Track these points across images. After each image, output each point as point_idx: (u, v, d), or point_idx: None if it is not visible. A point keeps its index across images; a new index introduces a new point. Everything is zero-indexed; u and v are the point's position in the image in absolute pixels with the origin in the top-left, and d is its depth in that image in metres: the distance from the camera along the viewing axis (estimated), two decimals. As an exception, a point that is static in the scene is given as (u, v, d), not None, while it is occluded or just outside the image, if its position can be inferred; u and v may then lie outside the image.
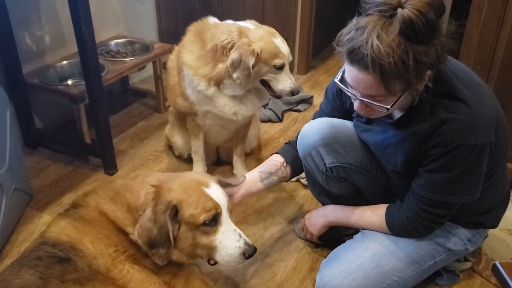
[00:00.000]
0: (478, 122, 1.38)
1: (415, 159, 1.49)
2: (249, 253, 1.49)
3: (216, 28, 2.09)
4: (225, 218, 1.49)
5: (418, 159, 1.48)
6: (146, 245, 1.41)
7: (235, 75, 2.02)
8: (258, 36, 2.02)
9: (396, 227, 1.64)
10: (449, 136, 1.37)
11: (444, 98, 1.40)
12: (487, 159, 1.44)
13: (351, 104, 1.69)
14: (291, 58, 2.08)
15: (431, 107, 1.41)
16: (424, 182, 1.49)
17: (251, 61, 1.98)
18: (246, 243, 1.49)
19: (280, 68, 2.03)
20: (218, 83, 2.10)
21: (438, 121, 1.39)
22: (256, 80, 2.09)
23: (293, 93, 2.09)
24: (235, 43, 2.00)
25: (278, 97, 2.14)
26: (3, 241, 2.01)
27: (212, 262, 1.54)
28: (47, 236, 1.41)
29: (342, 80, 1.44)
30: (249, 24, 2.10)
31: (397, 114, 1.52)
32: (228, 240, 1.48)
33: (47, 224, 1.49)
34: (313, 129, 1.75)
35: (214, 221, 1.46)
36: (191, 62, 2.12)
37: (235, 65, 2.00)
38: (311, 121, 1.81)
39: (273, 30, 2.09)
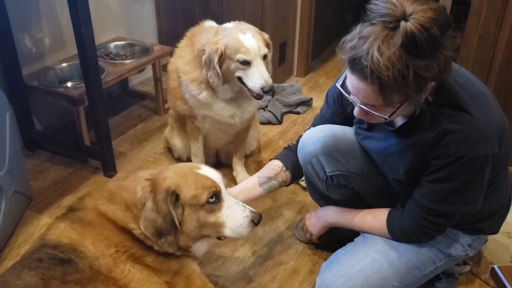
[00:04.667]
0: (481, 133, 1.38)
1: (418, 168, 1.48)
2: (257, 219, 1.55)
3: (203, 33, 2.10)
4: (225, 194, 1.54)
5: (420, 168, 1.48)
6: (154, 236, 1.43)
7: (208, 75, 2.04)
8: (226, 33, 2.03)
9: (397, 233, 1.64)
10: (452, 147, 1.37)
11: (447, 108, 1.39)
12: (490, 169, 1.44)
13: (352, 109, 1.69)
14: (263, 53, 2.01)
15: (433, 117, 1.40)
16: (426, 192, 1.49)
17: (215, 59, 1.99)
18: (252, 211, 1.56)
19: (245, 63, 1.99)
20: (210, 86, 2.10)
21: (441, 131, 1.38)
22: (231, 77, 2.06)
23: (263, 89, 1.99)
24: None
25: (256, 97, 2.07)
26: (3, 243, 2.01)
27: (222, 238, 1.59)
28: (47, 238, 1.42)
29: (344, 85, 1.44)
30: (230, 24, 2.09)
31: (399, 122, 1.52)
32: (235, 212, 1.53)
33: (47, 228, 1.49)
34: (313, 137, 1.75)
35: (216, 198, 1.50)
36: (183, 67, 2.15)
37: (207, 65, 2.03)
38: (312, 128, 1.81)
39: (247, 26, 2.06)
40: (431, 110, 1.39)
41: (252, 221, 1.54)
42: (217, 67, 2.00)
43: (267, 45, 2.08)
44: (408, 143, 1.48)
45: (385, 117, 1.36)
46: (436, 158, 1.41)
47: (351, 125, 1.82)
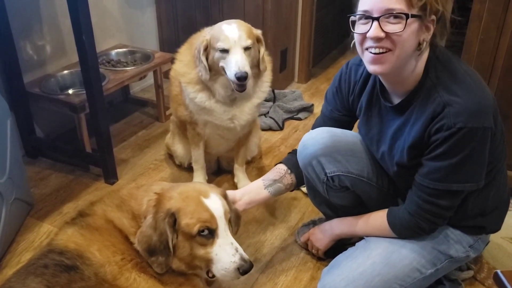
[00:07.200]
0: (478, 105, 1.40)
1: (420, 145, 1.48)
2: (244, 269, 1.45)
3: (202, 33, 2.13)
4: (222, 230, 1.46)
5: (422, 145, 1.48)
6: (145, 252, 1.41)
7: (197, 70, 2.07)
8: (215, 26, 2.08)
9: (397, 226, 1.63)
10: (451, 119, 1.38)
11: (445, 77, 1.43)
12: (489, 146, 1.44)
13: (353, 100, 1.73)
14: (244, 43, 2.00)
15: (431, 88, 1.43)
16: (428, 171, 1.48)
17: (201, 50, 2.02)
18: (242, 258, 1.46)
19: (224, 51, 2.00)
20: (206, 87, 2.11)
21: (441, 102, 1.41)
22: (217, 69, 2.06)
23: (236, 75, 1.96)
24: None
25: (236, 89, 2.03)
26: (3, 251, 2.01)
27: (210, 275, 1.52)
28: (54, 243, 1.42)
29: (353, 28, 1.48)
30: (223, 22, 2.10)
31: (397, 100, 1.55)
32: (224, 254, 1.45)
33: (55, 233, 1.49)
34: (313, 139, 1.75)
35: (210, 233, 1.44)
36: (180, 69, 2.17)
37: (197, 58, 2.06)
38: (311, 131, 1.81)
39: (236, 20, 2.07)
40: (430, 79, 1.44)
41: (238, 269, 1.44)
42: (203, 58, 2.03)
43: (257, 39, 2.09)
44: (410, 119, 1.50)
45: (406, 13, 1.35)
46: (437, 132, 1.42)
47: (351, 119, 1.83)
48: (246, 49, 2.02)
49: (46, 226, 2.20)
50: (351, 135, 1.79)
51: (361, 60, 1.57)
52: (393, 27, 1.37)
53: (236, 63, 1.98)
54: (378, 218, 1.69)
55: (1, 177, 1.93)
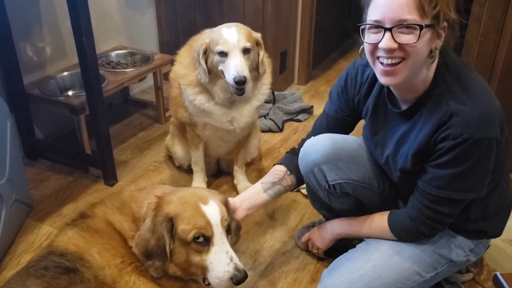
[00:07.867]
0: (486, 116, 1.39)
1: (424, 152, 1.48)
2: (237, 279, 1.43)
3: (202, 36, 2.13)
4: (218, 238, 1.45)
5: (427, 152, 1.47)
6: (142, 256, 1.41)
7: (197, 73, 2.07)
8: (214, 29, 2.07)
9: (398, 228, 1.63)
10: (458, 129, 1.37)
11: (454, 86, 1.42)
12: (494, 156, 1.44)
13: (358, 101, 1.72)
14: (243, 46, 2.00)
15: (439, 96, 1.42)
16: (431, 178, 1.48)
17: (201, 53, 2.03)
18: (236, 268, 1.44)
19: (223, 54, 2.00)
20: (205, 90, 2.11)
21: (448, 111, 1.40)
22: (216, 72, 2.06)
23: (235, 80, 1.95)
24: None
25: (235, 92, 2.03)
26: (3, 252, 2.01)
27: (206, 282, 1.51)
28: (55, 245, 1.42)
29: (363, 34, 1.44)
30: (223, 26, 2.10)
31: (404, 106, 1.54)
32: (219, 262, 1.44)
33: (55, 234, 1.49)
34: (314, 146, 1.74)
35: (205, 240, 1.43)
36: (180, 71, 2.18)
37: (197, 60, 2.07)
38: (313, 137, 1.79)
39: (235, 24, 2.08)
40: (439, 87, 1.43)
41: (231, 278, 1.43)
42: (202, 62, 2.03)
43: (256, 43, 2.09)
44: (416, 125, 1.49)
45: (420, 24, 1.32)
46: (443, 140, 1.41)
47: (354, 120, 1.82)
48: (246, 52, 2.02)
49: (46, 228, 2.20)
50: (352, 141, 1.78)
51: (368, 62, 1.56)
52: (406, 38, 1.34)
53: (235, 67, 1.97)
54: (380, 220, 1.69)
55: (1, 178, 1.93)
